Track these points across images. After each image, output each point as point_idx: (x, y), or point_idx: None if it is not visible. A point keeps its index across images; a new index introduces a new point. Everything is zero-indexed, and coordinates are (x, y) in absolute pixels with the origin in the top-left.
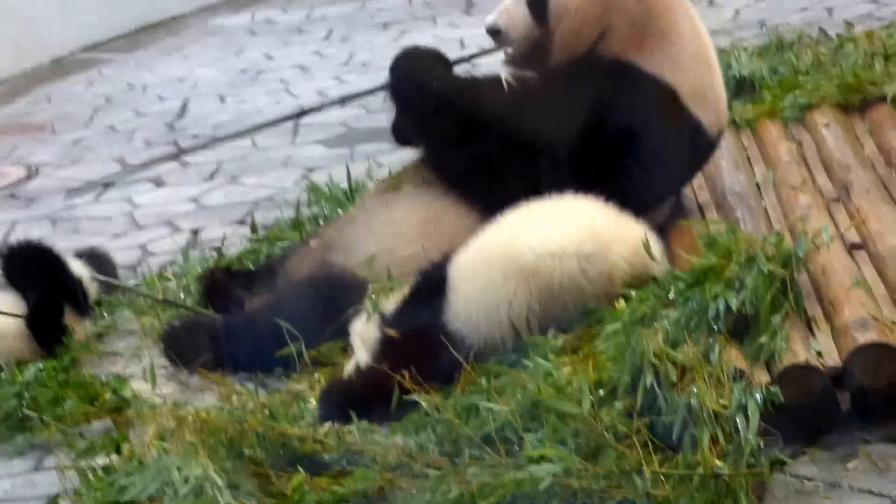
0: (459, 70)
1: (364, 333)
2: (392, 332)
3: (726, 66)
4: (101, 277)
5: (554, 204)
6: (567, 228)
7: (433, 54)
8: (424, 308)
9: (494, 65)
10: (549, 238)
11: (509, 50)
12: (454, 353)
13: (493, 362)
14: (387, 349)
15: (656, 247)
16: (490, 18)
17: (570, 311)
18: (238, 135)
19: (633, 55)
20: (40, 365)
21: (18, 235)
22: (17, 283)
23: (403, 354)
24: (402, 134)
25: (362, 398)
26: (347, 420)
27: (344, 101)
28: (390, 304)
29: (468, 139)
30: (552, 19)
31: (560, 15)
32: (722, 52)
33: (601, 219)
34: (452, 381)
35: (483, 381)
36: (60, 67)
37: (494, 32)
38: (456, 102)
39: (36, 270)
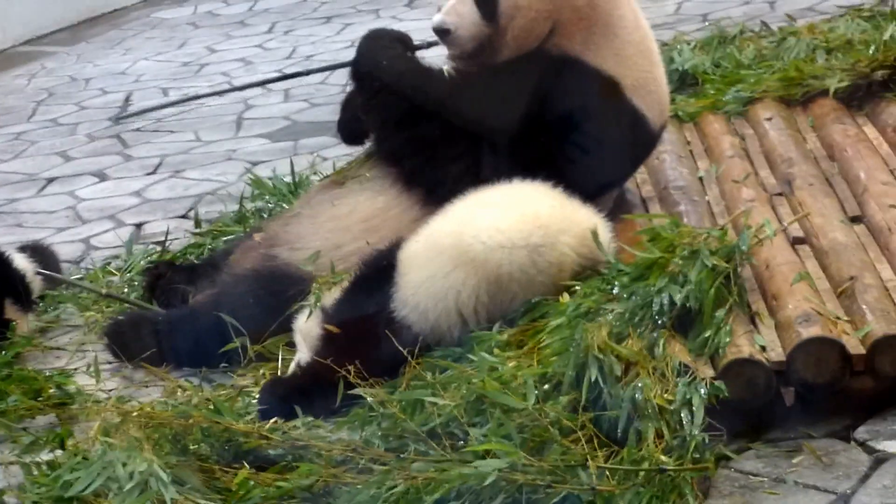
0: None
1: (306, 329)
2: (331, 328)
3: (669, 60)
4: (45, 272)
5: (503, 191)
6: (516, 219)
7: (397, 36)
8: (371, 296)
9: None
10: (498, 229)
11: (455, 49)
12: (400, 343)
13: (437, 357)
14: (329, 343)
15: (604, 234)
16: (437, 17)
17: (519, 301)
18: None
19: (579, 49)
20: None
21: None
22: None
23: (348, 347)
24: (350, 133)
25: (305, 393)
26: (290, 415)
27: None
28: (332, 295)
29: (414, 124)
30: (503, 17)
31: (511, 13)
32: (664, 46)
33: (549, 207)
34: (398, 372)
35: (428, 376)
36: (2, 61)
37: (442, 32)
38: (406, 84)
39: None
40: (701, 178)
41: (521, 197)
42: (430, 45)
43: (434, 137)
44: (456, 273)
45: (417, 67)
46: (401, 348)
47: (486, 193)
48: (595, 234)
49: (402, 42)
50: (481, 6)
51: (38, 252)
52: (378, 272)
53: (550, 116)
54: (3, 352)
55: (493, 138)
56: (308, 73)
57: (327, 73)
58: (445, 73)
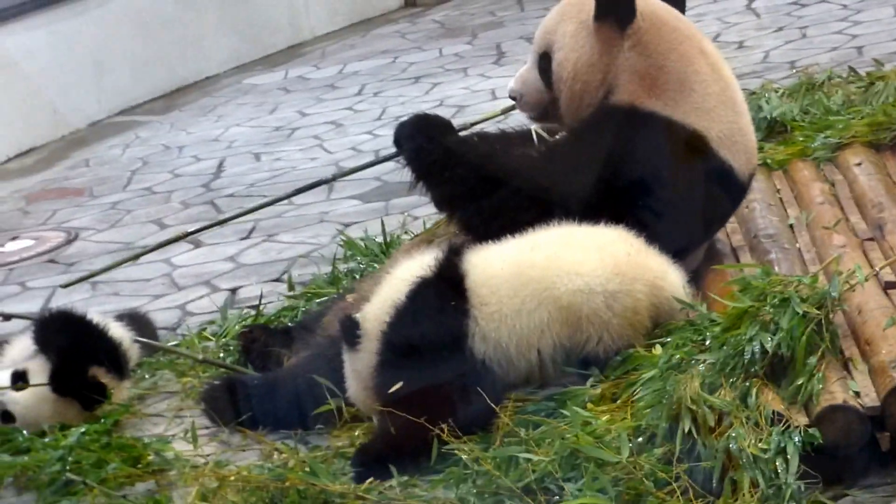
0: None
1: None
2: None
3: (757, 108)
4: (142, 339)
5: (585, 232)
6: (594, 264)
7: (437, 121)
8: (440, 331)
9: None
10: (578, 273)
11: (525, 112)
12: (483, 385)
13: (530, 412)
14: (414, 397)
15: (679, 282)
16: (510, 85)
17: (594, 344)
18: (276, 200)
19: (652, 104)
20: (83, 428)
21: (58, 301)
22: (45, 348)
23: (433, 397)
24: (441, 205)
25: (399, 453)
26: (385, 476)
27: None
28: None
29: (489, 197)
30: (554, 85)
31: (558, 84)
32: (752, 95)
33: (626, 254)
34: (488, 420)
35: (521, 431)
36: (97, 132)
37: (513, 98)
38: (476, 163)
39: (59, 335)
40: (791, 226)
41: (600, 241)
42: (466, 126)
43: (517, 205)
44: (540, 311)
45: (494, 142)
46: (486, 396)
47: (568, 231)
48: (679, 284)
49: (445, 126)
50: (542, 74)
51: (135, 320)
52: (442, 300)
53: (632, 173)
54: (102, 420)
55: (578, 198)
56: (357, 169)
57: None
58: (534, 135)
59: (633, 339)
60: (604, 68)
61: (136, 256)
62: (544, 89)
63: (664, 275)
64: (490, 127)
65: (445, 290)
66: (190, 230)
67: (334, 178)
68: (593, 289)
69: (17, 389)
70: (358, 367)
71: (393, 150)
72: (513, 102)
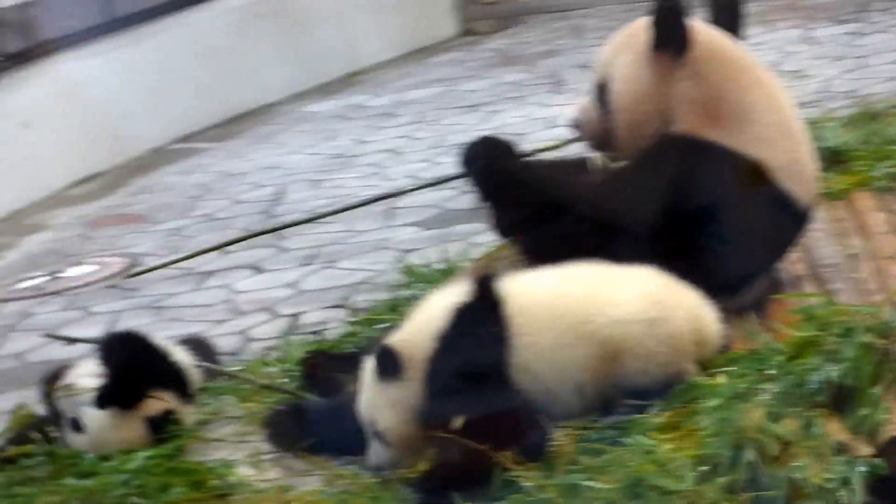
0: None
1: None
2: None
3: (817, 138)
4: (204, 364)
5: (617, 269)
6: (632, 294)
7: (505, 143)
8: (486, 353)
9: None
10: (616, 304)
11: (585, 139)
12: (523, 417)
13: (593, 440)
14: (473, 424)
15: (713, 315)
16: (571, 114)
17: (641, 376)
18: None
19: (710, 133)
20: (148, 452)
21: (123, 325)
22: (110, 368)
23: (490, 428)
24: (505, 229)
25: (460, 480)
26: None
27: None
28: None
29: (552, 224)
30: (612, 114)
31: (616, 114)
32: (812, 124)
33: (661, 286)
34: (541, 450)
35: (584, 459)
36: (158, 158)
37: (574, 127)
38: (538, 191)
39: (124, 356)
40: (854, 255)
41: (635, 275)
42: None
43: (577, 233)
44: (578, 347)
45: (555, 169)
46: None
47: (602, 267)
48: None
49: (510, 150)
50: (600, 104)
51: (198, 345)
52: (484, 327)
53: (692, 204)
54: (166, 444)
55: (639, 229)
56: (427, 186)
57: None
58: (591, 164)
59: (681, 366)
60: (660, 98)
61: (196, 254)
62: (603, 119)
63: (701, 306)
64: (548, 156)
65: (486, 316)
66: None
67: (401, 193)
68: (633, 318)
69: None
70: (397, 396)
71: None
72: (572, 133)
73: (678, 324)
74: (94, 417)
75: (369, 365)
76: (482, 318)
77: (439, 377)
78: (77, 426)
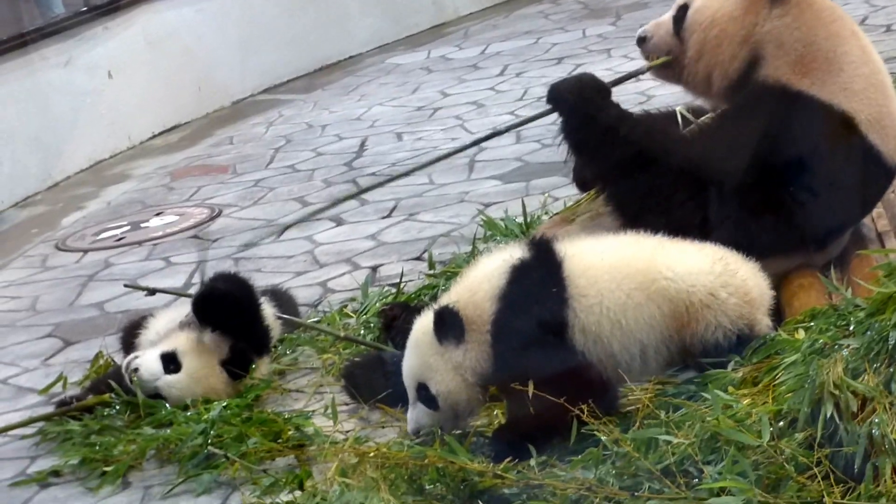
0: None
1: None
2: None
3: None
4: (284, 316)
5: (669, 238)
6: (695, 252)
7: (595, 84)
8: (547, 312)
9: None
10: (681, 260)
11: (648, 56)
12: (583, 377)
13: (671, 395)
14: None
15: (765, 285)
16: (642, 27)
17: (714, 331)
18: (414, 170)
19: (801, 83)
20: (225, 402)
21: (204, 276)
22: (220, 322)
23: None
24: (583, 181)
25: (538, 434)
26: (524, 456)
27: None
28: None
29: (645, 175)
30: (685, 32)
31: (692, 29)
32: None
33: (718, 249)
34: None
35: (662, 414)
36: (241, 110)
37: (641, 40)
38: (633, 141)
39: (241, 311)
40: None
41: (689, 242)
42: (618, 81)
43: (666, 185)
44: (649, 306)
45: (645, 121)
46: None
47: (654, 237)
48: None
49: (602, 90)
50: (675, 23)
51: (278, 296)
52: (543, 287)
53: (785, 158)
54: (244, 395)
55: (728, 182)
56: (501, 132)
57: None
58: (679, 116)
59: (753, 317)
60: (747, 27)
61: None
62: (674, 38)
63: (755, 269)
64: (635, 108)
65: (546, 277)
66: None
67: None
68: (701, 272)
69: (169, 372)
70: (457, 359)
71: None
72: (648, 54)
73: (744, 279)
74: (175, 381)
75: (421, 327)
76: (542, 278)
77: (504, 339)
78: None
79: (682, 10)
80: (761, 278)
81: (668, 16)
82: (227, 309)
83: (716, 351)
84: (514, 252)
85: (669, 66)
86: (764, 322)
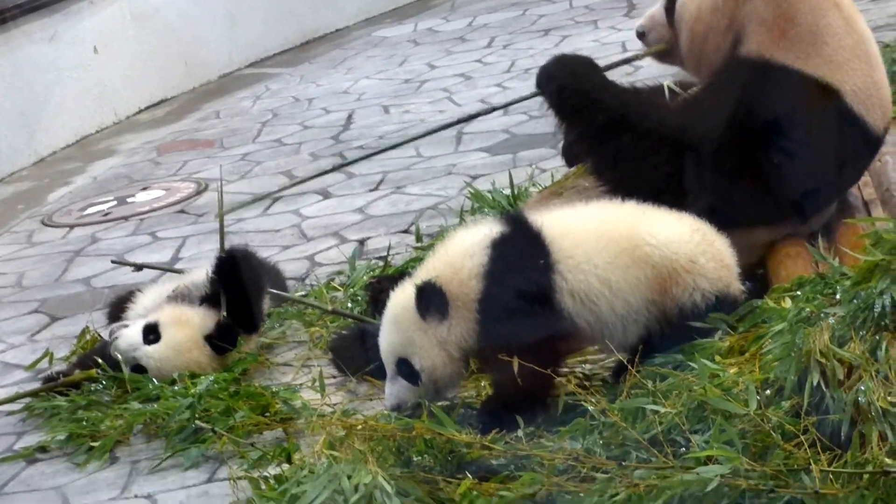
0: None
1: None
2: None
3: (891, 61)
4: (271, 290)
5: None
6: (675, 222)
7: (585, 61)
8: (532, 281)
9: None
10: (662, 229)
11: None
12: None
13: (657, 364)
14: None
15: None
16: (637, 22)
17: (692, 294)
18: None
19: (785, 57)
20: (212, 377)
21: (189, 251)
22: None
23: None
24: (571, 156)
25: (523, 405)
26: (512, 427)
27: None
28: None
29: (630, 145)
30: (676, 25)
31: (680, 24)
32: (886, 48)
33: (695, 219)
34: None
35: (648, 384)
36: (227, 84)
37: (639, 35)
38: (619, 112)
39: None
40: None
41: (665, 211)
42: (612, 66)
43: (651, 157)
44: (635, 270)
45: (631, 93)
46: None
47: (631, 205)
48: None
49: (593, 67)
50: (667, 14)
51: (266, 270)
52: (525, 256)
53: (771, 131)
54: (231, 369)
55: (715, 155)
56: (489, 111)
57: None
58: (665, 89)
59: (731, 282)
60: (728, 14)
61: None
62: (669, 29)
63: (724, 239)
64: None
65: (528, 246)
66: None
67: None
68: (682, 239)
69: (149, 343)
70: (441, 334)
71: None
72: (649, 48)
73: (720, 246)
74: (155, 352)
75: (399, 302)
76: (525, 248)
77: (495, 312)
78: (139, 370)
79: (671, 2)
80: (730, 247)
81: (658, 7)
82: (247, 275)
83: (693, 314)
84: (490, 226)
85: (667, 52)
86: (737, 286)
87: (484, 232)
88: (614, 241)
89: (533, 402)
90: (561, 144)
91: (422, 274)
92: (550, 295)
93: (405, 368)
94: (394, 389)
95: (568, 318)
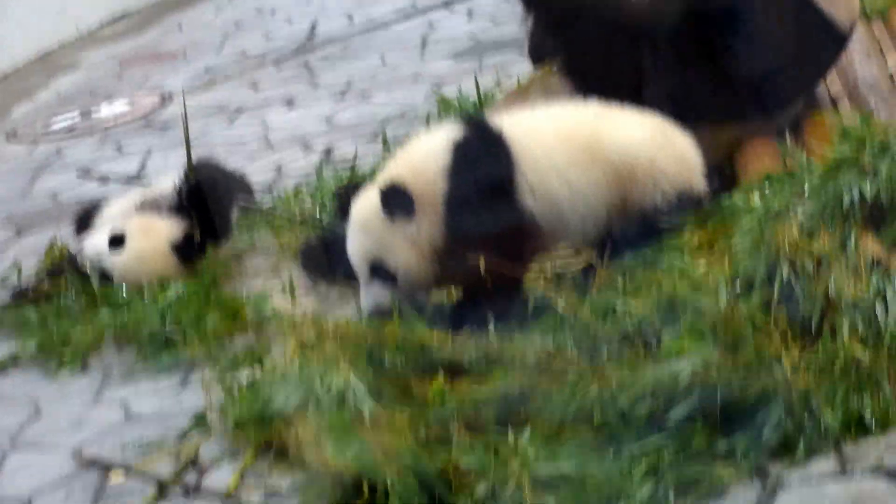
0: None
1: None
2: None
3: None
4: (239, 198)
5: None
6: (636, 121)
7: None
8: (496, 178)
9: None
10: (624, 130)
11: None
12: (530, 240)
13: (627, 262)
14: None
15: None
16: None
17: (653, 193)
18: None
19: None
20: (182, 285)
21: (155, 163)
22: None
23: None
24: (538, 57)
25: (493, 303)
26: (482, 327)
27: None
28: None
29: (595, 40)
30: None
31: None
32: None
33: (656, 119)
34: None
35: (619, 281)
36: None
37: None
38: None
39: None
40: (891, 75)
41: (628, 111)
42: None
43: (601, 42)
44: (594, 170)
45: None
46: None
47: (593, 105)
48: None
49: None
50: None
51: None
52: (488, 154)
53: (736, 27)
54: (202, 276)
55: (670, 47)
56: None
57: None
58: None
59: (692, 181)
60: None
61: None
62: None
63: (688, 138)
64: None
65: (489, 145)
66: None
67: None
68: (642, 139)
69: (114, 251)
70: (411, 234)
71: None
72: None
73: (683, 145)
74: (119, 260)
75: (365, 207)
76: (487, 146)
77: (458, 210)
78: (105, 277)
79: None
80: (694, 147)
81: None
82: (214, 184)
83: (655, 213)
84: (452, 128)
85: None
86: (700, 185)
87: (446, 134)
88: (574, 141)
89: (502, 300)
90: (526, 45)
91: (385, 177)
92: (512, 193)
93: (380, 271)
94: (370, 293)
95: (530, 216)
